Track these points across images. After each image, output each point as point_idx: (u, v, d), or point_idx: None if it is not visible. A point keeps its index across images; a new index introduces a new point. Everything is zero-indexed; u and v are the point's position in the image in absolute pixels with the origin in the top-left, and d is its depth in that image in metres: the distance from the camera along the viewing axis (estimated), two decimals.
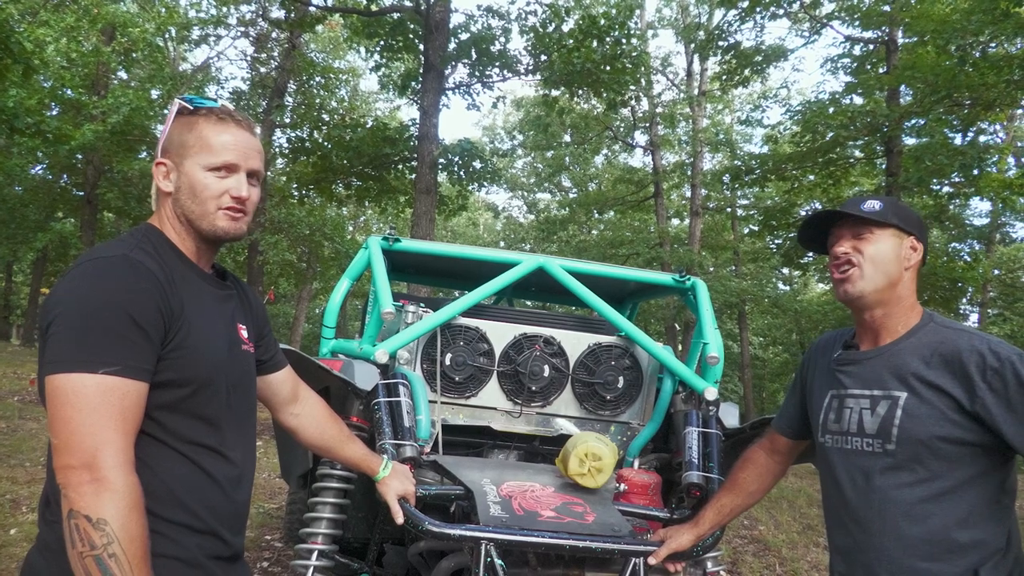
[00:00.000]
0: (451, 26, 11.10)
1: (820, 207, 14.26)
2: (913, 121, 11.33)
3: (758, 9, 12.36)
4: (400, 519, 1.86)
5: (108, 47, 14.72)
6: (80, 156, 15.72)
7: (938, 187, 11.70)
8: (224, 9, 15.59)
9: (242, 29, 17.05)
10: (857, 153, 12.96)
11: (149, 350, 1.14)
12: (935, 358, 1.42)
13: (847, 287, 1.53)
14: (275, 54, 17.50)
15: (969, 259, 14.72)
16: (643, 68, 12.65)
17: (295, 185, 14.18)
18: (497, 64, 11.64)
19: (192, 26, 15.73)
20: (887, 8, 11.70)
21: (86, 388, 1.08)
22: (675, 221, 23.05)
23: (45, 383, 1.10)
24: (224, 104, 1.34)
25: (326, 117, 15.70)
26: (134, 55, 15.86)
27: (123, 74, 17.76)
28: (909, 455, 1.42)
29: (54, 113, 13.82)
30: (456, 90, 11.91)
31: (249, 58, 18.20)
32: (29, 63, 8.48)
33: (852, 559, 1.53)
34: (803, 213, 14.50)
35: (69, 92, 13.54)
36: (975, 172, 10.58)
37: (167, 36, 16.96)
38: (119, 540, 1.04)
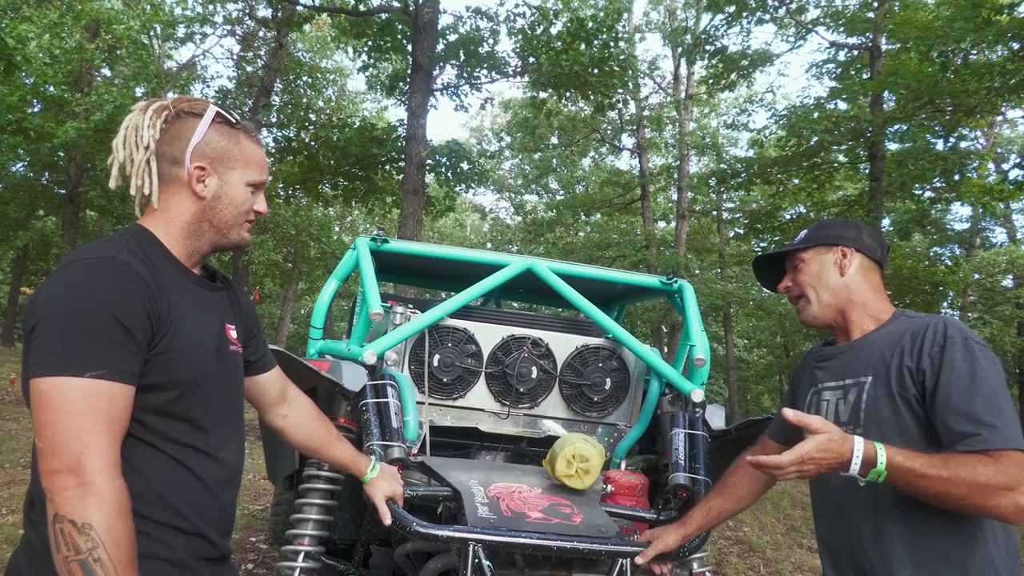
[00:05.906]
0: (439, 27, 11.08)
1: (804, 211, 14.39)
2: (896, 127, 11.47)
3: (744, 14, 12.46)
4: (388, 520, 1.86)
5: (92, 44, 14.53)
6: (62, 154, 15.50)
7: (920, 192, 11.85)
8: (210, 7, 15.45)
9: (228, 27, 16.90)
10: (841, 158, 13.09)
11: (136, 353, 1.13)
12: (905, 339, 1.47)
13: (803, 316, 1.70)
14: (262, 53, 17.37)
15: (950, 263, 14.92)
16: (630, 71, 12.69)
17: (281, 185, 14.07)
18: (485, 66, 11.64)
19: (178, 24, 15.54)
20: (871, 15, 11.83)
21: (71, 391, 1.06)
22: (661, 224, 23.14)
23: (30, 386, 1.09)
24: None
25: (313, 117, 15.54)
26: (118, 52, 15.67)
27: (107, 71, 17.54)
28: (876, 438, 1.43)
29: (36, 110, 13.62)
30: (444, 91, 11.90)
31: (235, 57, 18.07)
32: (11, 59, 8.38)
33: (837, 551, 1.57)
34: (788, 217, 14.61)
35: (51, 89, 13.34)
36: (956, 177, 10.75)
37: (152, 33, 16.79)
38: (104, 544, 1.04)
